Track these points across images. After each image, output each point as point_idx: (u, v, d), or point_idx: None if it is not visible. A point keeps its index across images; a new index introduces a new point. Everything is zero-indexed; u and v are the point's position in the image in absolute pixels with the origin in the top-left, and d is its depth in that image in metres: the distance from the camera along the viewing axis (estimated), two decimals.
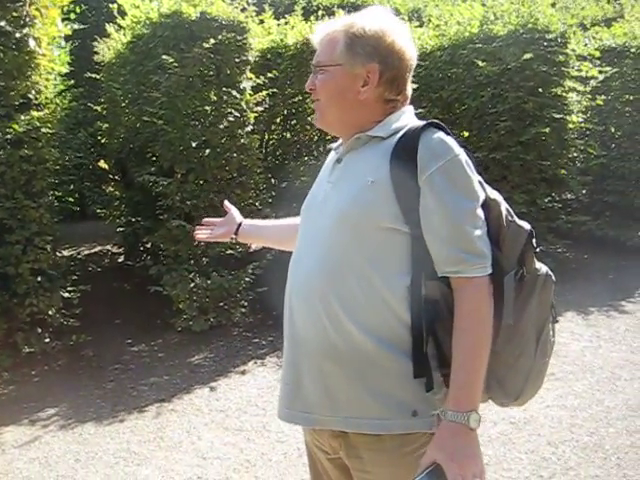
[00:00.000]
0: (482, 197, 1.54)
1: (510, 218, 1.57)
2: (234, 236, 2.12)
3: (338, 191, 1.61)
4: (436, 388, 1.54)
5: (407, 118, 1.64)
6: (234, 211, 2.17)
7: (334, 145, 1.79)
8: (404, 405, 1.54)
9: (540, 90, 6.79)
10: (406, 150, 1.51)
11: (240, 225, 2.12)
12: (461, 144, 1.57)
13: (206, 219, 2.23)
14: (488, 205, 1.55)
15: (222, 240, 2.21)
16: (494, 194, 1.59)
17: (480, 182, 1.57)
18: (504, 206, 1.58)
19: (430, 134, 1.53)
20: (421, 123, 1.57)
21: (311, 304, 1.58)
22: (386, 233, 1.52)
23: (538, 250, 1.60)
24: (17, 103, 4.90)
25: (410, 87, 1.67)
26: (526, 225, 1.58)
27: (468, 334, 1.47)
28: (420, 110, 7.08)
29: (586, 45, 7.41)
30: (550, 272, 1.62)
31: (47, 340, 5.04)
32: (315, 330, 1.58)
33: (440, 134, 1.54)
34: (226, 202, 2.22)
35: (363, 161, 1.60)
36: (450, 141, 1.53)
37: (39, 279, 4.96)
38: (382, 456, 1.56)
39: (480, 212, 1.52)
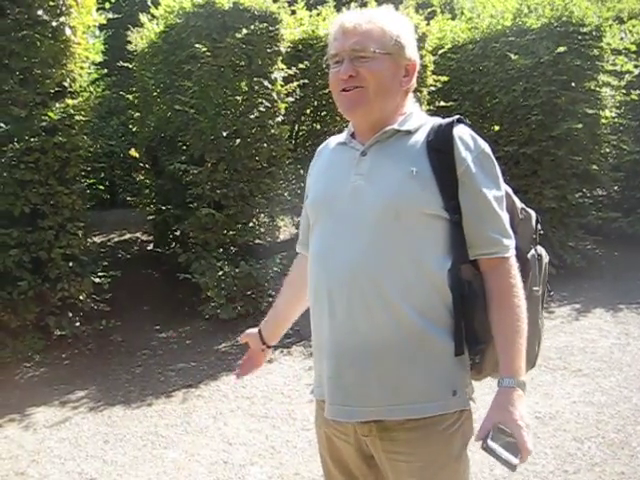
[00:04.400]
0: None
1: (520, 206, 1.78)
2: (265, 347, 2.13)
3: (375, 182, 1.64)
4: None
5: (423, 113, 1.77)
6: (251, 336, 2.15)
7: (342, 139, 1.83)
8: (447, 385, 1.63)
9: (573, 84, 6.72)
10: (442, 144, 1.64)
11: (260, 333, 2.12)
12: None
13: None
14: None
15: (260, 362, 2.21)
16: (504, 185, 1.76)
17: None
18: (514, 196, 1.77)
19: (461, 130, 1.66)
20: (447, 120, 1.69)
21: (358, 293, 1.61)
22: (429, 219, 1.61)
23: (542, 233, 1.82)
24: (52, 91, 4.99)
25: None
26: (533, 212, 1.81)
27: (512, 308, 1.62)
28: (451, 103, 7.06)
29: (622, 39, 7.26)
30: (545, 253, 1.82)
31: (78, 324, 5.14)
32: (362, 317, 1.61)
33: (468, 129, 1.68)
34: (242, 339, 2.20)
35: (398, 153, 1.66)
36: (476, 136, 1.68)
37: (71, 264, 5.05)
38: (416, 435, 1.61)
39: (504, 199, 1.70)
